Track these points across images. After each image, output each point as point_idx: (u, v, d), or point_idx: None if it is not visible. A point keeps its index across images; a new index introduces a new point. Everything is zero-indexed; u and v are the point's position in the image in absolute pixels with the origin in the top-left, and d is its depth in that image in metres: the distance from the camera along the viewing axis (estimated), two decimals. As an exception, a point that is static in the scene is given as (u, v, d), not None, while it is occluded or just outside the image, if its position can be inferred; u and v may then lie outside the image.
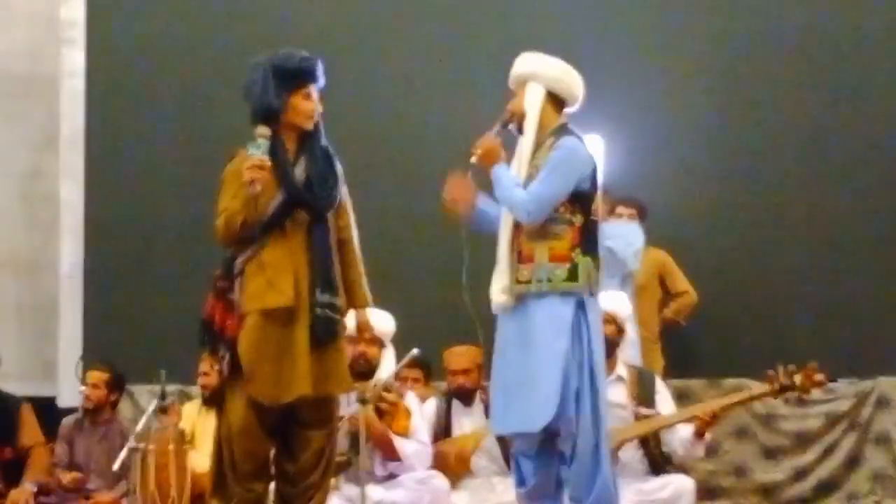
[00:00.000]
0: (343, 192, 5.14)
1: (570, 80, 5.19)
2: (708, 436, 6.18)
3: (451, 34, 7.98)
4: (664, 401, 6.26)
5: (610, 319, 6.15)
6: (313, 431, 4.97)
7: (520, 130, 5.19)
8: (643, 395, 6.20)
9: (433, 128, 7.91)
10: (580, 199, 5.09)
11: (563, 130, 5.15)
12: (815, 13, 7.79)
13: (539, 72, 5.16)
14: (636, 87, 7.71)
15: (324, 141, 5.07)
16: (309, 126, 5.01)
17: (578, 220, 5.09)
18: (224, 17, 8.10)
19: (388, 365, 6.29)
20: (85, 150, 8.10)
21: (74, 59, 8.17)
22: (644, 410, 6.15)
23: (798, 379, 5.97)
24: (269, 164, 4.86)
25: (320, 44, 7.69)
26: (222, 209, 4.94)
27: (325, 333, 4.86)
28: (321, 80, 5.04)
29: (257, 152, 4.85)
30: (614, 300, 6.27)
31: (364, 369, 6.16)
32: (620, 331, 6.24)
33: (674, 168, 7.73)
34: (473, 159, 5.12)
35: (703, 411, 6.05)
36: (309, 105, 4.99)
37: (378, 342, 6.23)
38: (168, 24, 8.14)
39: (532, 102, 5.14)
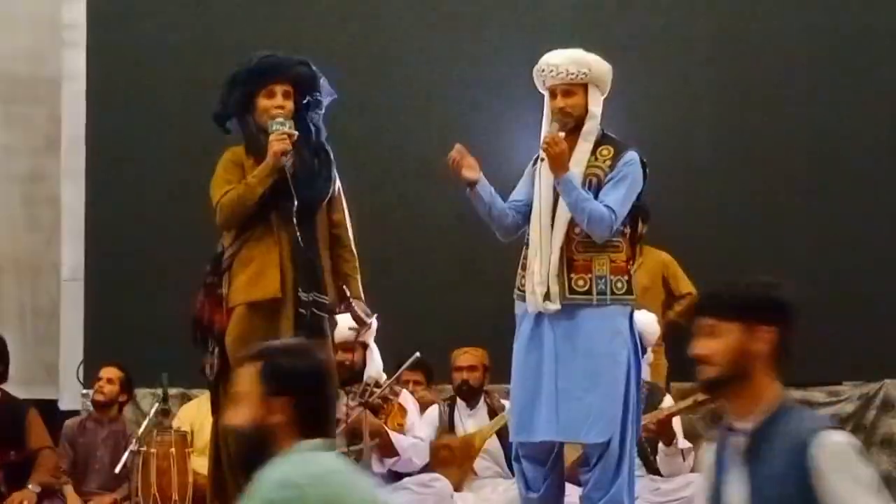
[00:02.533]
0: (337, 188, 5.16)
1: (610, 82, 5.22)
2: (683, 443, 6.13)
3: (456, 35, 7.96)
4: None
5: None
6: None
7: (565, 131, 5.11)
8: (648, 410, 6.15)
9: (438, 131, 7.89)
10: (632, 213, 5.15)
11: (615, 140, 5.17)
12: (821, 12, 7.77)
13: (602, 77, 5.15)
14: (638, 86, 7.69)
15: (314, 139, 5.07)
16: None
17: (628, 231, 5.15)
18: (225, 20, 8.08)
19: (374, 364, 6.28)
20: (86, 153, 8.08)
21: (76, 62, 8.15)
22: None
23: None
24: (296, 134, 4.96)
25: (323, 45, 7.73)
26: (223, 192, 4.99)
27: (311, 332, 4.85)
28: (289, 76, 5.06)
29: (283, 127, 4.95)
30: (643, 320, 6.20)
31: (345, 377, 6.14)
32: (643, 350, 6.20)
33: (677, 169, 7.70)
34: (544, 157, 5.06)
35: (651, 419, 5.99)
36: (270, 103, 5.03)
37: (357, 345, 6.21)
38: (169, 26, 8.13)
39: (597, 109, 5.13)
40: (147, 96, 8.09)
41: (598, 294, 5.01)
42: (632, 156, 5.11)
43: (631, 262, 5.12)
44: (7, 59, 8.54)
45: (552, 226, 5.07)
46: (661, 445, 6.12)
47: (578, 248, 5.05)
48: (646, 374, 6.41)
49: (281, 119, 4.98)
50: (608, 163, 5.08)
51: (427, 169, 7.88)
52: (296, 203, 4.96)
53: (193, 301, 5.09)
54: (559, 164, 4.99)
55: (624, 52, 7.76)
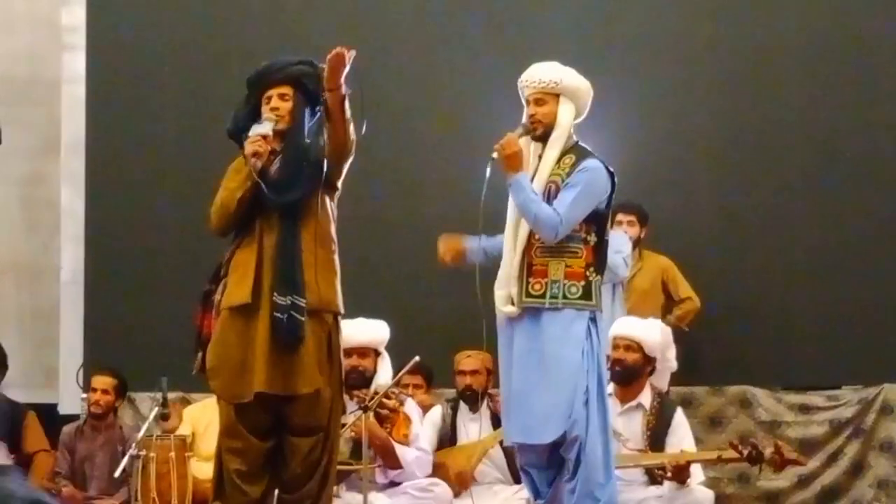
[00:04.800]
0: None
1: (589, 100, 5.29)
2: (698, 476, 6.09)
3: (456, 39, 7.96)
4: (676, 436, 6.10)
5: (636, 347, 6.08)
6: (299, 438, 4.93)
7: (535, 138, 5.21)
8: (657, 427, 6.11)
9: (438, 133, 7.89)
10: (596, 220, 5.19)
11: (581, 149, 5.23)
12: (820, 18, 7.77)
13: (574, 90, 5.23)
14: (639, 91, 7.69)
15: (304, 142, 4.99)
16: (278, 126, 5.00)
17: (592, 239, 5.18)
18: (225, 22, 8.08)
19: (385, 372, 6.28)
20: (86, 156, 8.08)
21: (75, 65, 8.15)
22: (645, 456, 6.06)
23: (767, 452, 5.93)
24: (271, 136, 4.90)
25: (323, 48, 7.72)
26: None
27: (286, 336, 4.82)
28: (283, 77, 5.02)
29: (261, 130, 4.91)
30: (643, 327, 6.19)
31: (357, 381, 6.16)
32: (647, 359, 6.13)
33: (677, 173, 7.71)
34: (496, 156, 5.14)
35: (672, 460, 5.94)
36: (266, 107, 5.01)
37: (371, 352, 6.23)
38: (169, 29, 8.12)
39: (565, 119, 5.20)
40: (146, 99, 8.08)
41: (550, 297, 5.08)
42: (589, 163, 5.16)
43: (591, 269, 5.15)
44: (6, 61, 8.54)
45: (517, 230, 5.17)
46: (671, 483, 6.03)
47: (537, 252, 5.14)
48: (663, 385, 6.38)
49: (267, 122, 4.94)
50: (567, 170, 5.17)
51: (426, 171, 7.89)
52: (276, 206, 4.92)
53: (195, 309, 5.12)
54: (511, 164, 5.11)
55: (624, 57, 7.78)
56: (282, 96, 5.02)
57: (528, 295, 5.10)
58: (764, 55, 7.79)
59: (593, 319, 5.15)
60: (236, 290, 4.91)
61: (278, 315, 4.82)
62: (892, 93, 7.71)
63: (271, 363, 4.84)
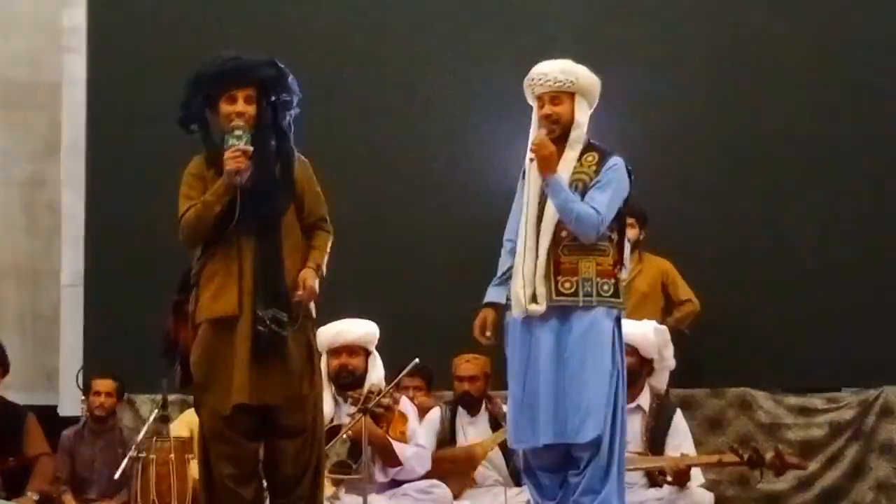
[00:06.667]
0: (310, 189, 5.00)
1: (598, 95, 5.32)
2: (698, 479, 6.08)
3: (455, 42, 7.97)
4: (676, 438, 6.12)
5: (631, 351, 6.02)
6: (287, 441, 4.88)
7: (552, 138, 5.19)
8: (656, 428, 6.11)
9: (437, 137, 7.90)
10: (618, 219, 5.22)
11: (599, 147, 5.25)
12: (819, 19, 7.77)
13: (589, 87, 5.26)
14: (637, 93, 7.69)
15: (277, 146, 4.89)
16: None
17: (616, 238, 5.22)
18: (226, 25, 8.07)
19: (376, 371, 6.29)
20: (86, 159, 8.09)
21: (76, 68, 8.16)
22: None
23: (768, 456, 5.94)
24: (251, 150, 4.77)
25: (324, 49, 7.73)
26: (184, 210, 4.87)
27: (269, 349, 4.76)
28: (252, 79, 4.85)
29: (238, 143, 4.77)
30: (637, 331, 6.17)
31: (348, 381, 6.17)
32: (644, 362, 6.15)
33: (676, 174, 7.70)
34: (531, 157, 5.15)
35: (672, 464, 5.94)
36: (230, 109, 4.84)
37: (361, 351, 6.25)
38: (169, 32, 8.12)
39: (583, 118, 5.23)
40: (147, 102, 8.07)
41: (584, 296, 5.09)
42: (616, 161, 5.20)
43: (618, 267, 5.20)
44: (7, 63, 8.56)
45: (539, 228, 5.15)
46: (670, 486, 6.03)
47: (565, 250, 5.13)
48: (662, 384, 6.39)
49: (238, 132, 4.79)
50: (593, 168, 5.18)
51: (428, 175, 7.89)
52: (252, 218, 4.81)
53: (165, 318, 5.08)
54: (548, 165, 5.10)
55: (623, 59, 7.77)
56: (248, 99, 4.85)
57: (559, 293, 5.09)
58: (763, 56, 7.79)
59: (618, 319, 5.18)
60: (218, 302, 4.82)
61: (260, 328, 4.75)
62: (892, 93, 7.71)
63: (252, 375, 4.77)
